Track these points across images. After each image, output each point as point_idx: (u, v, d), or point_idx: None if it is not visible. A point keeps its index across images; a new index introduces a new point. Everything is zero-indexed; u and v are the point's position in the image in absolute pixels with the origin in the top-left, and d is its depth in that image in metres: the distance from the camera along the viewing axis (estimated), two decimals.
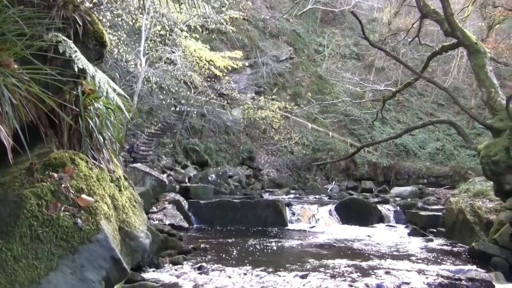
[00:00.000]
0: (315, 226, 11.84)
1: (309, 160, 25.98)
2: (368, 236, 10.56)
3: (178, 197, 12.76)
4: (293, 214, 12.61)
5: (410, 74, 25.02)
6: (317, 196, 18.37)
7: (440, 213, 11.66)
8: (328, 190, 23.49)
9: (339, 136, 28.98)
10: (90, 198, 3.04)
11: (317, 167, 25.96)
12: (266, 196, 17.24)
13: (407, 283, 6.06)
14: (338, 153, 26.02)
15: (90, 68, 3.55)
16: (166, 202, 11.99)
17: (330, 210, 12.89)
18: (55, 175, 3.01)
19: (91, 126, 3.71)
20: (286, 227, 11.57)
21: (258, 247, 8.77)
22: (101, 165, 3.65)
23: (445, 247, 9.37)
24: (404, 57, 31.35)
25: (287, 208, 12.48)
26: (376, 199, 15.74)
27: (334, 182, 25.99)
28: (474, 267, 7.26)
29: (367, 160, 26.90)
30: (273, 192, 19.60)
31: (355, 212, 12.53)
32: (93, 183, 3.25)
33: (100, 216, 2.99)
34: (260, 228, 11.25)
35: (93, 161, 3.58)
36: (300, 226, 11.85)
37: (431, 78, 15.07)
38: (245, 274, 6.34)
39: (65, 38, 3.44)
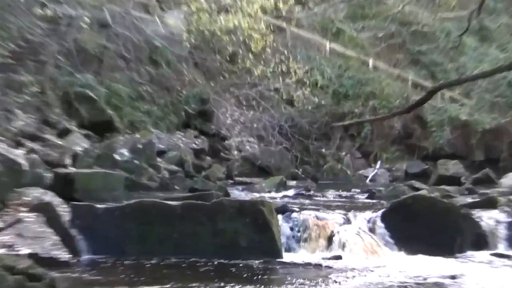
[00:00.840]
0: (340, 257, 11.61)
1: (326, 117, 25.96)
2: (453, 277, 10.32)
3: (51, 196, 12.47)
4: (293, 229, 12.41)
5: None
6: (344, 193, 18.42)
7: None
8: (368, 180, 23.65)
9: (390, 68, 29.00)
10: None
11: (343, 132, 26.00)
12: (237, 193, 17.20)
13: None
14: (388, 102, 26.15)
15: None
16: (24, 208, 11.68)
17: (371, 222, 12.80)
18: None
19: None
20: (279, 259, 11.29)
21: None
22: None
23: None
24: None
25: (280, 217, 12.27)
26: (468, 199, 15.66)
27: (379, 163, 26.17)
28: None
29: (449, 117, 26.95)
30: (251, 184, 19.71)
31: (423, 227, 12.35)
32: None
33: None
34: (223, 260, 10.88)
35: None
36: (307, 257, 11.61)
37: None
38: None
39: None
